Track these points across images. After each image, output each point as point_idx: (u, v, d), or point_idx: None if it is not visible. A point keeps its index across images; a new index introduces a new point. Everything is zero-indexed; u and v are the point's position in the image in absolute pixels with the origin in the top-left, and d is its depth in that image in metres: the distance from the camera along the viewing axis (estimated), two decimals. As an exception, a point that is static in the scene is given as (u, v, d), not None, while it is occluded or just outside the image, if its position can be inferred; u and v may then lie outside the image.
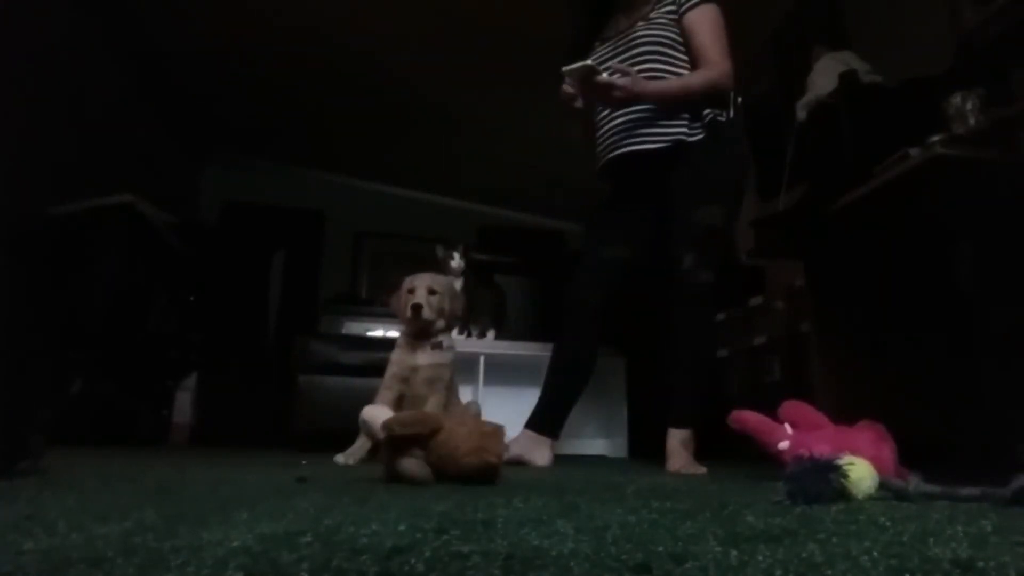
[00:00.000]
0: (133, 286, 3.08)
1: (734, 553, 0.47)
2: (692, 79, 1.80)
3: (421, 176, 5.33)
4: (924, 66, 2.07)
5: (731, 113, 1.85)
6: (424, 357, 1.92)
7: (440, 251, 2.94)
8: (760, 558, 0.45)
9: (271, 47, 3.70)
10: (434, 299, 1.92)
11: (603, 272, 1.92)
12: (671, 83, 1.79)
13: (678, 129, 1.80)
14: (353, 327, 3.74)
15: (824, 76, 2.28)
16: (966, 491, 0.85)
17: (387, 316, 3.72)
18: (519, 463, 1.78)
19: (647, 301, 2.07)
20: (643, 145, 1.82)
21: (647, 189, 1.88)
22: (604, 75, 1.71)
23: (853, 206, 1.87)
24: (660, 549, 0.48)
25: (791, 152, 2.50)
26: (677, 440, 1.70)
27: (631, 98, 1.75)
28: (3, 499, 0.76)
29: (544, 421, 1.91)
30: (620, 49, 1.88)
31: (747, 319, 3.00)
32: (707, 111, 1.80)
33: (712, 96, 1.81)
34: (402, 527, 0.56)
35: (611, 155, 1.89)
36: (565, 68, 1.71)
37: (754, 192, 3.52)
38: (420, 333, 1.94)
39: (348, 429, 1.88)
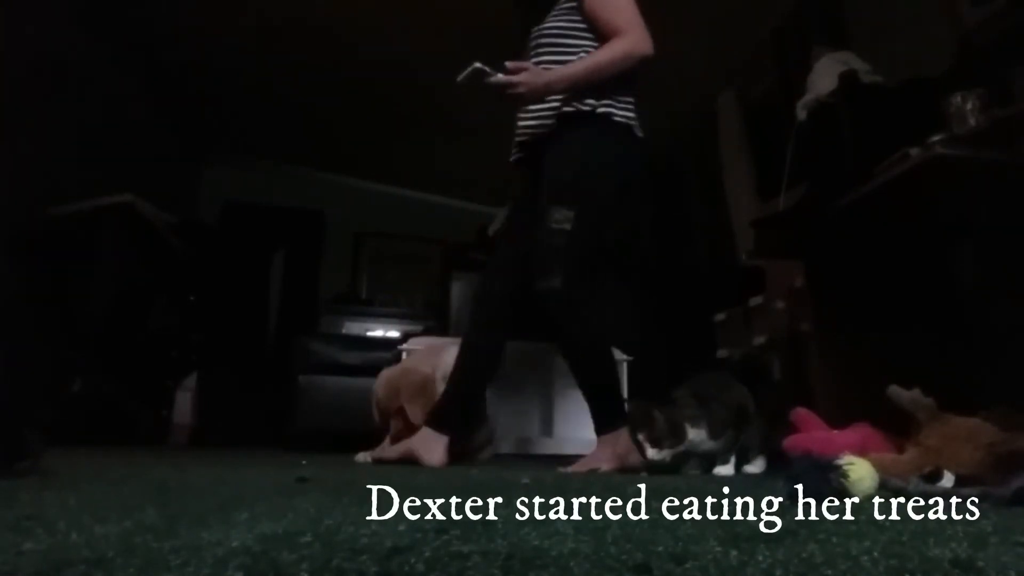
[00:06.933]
0: (133, 286, 3.08)
1: (734, 553, 0.47)
2: (600, 52, 1.67)
3: (421, 176, 5.33)
4: (924, 66, 2.07)
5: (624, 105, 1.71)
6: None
7: None
8: (760, 558, 0.45)
9: (272, 47, 3.70)
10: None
11: (512, 262, 1.78)
12: (579, 63, 1.67)
13: (548, 116, 1.71)
14: (353, 327, 3.74)
15: (824, 76, 2.27)
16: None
17: (387, 316, 3.72)
18: (409, 462, 1.66)
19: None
20: (521, 136, 1.77)
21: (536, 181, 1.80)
22: (499, 75, 1.60)
23: (853, 206, 1.86)
24: (660, 549, 0.48)
25: (791, 152, 2.50)
26: (598, 446, 1.68)
27: (539, 91, 1.64)
28: (3, 499, 0.76)
29: (442, 418, 1.74)
30: (530, 51, 1.82)
31: (747, 319, 3.00)
32: (562, 103, 1.68)
33: (629, 69, 1.67)
34: (402, 527, 0.56)
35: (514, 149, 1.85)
36: (458, 78, 1.58)
37: (754, 192, 3.53)
38: None
39: (348, 429, 1.88)
